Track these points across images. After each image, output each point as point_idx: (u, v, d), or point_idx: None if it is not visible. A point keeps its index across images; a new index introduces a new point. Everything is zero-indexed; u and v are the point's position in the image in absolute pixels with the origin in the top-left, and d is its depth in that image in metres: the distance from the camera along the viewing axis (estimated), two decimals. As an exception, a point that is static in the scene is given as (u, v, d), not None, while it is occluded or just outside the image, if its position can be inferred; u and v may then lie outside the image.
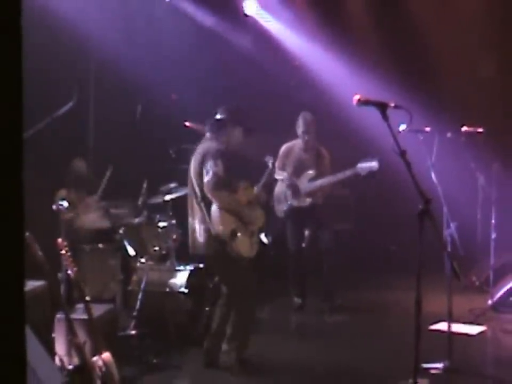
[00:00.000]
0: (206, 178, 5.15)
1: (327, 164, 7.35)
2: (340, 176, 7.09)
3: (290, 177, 7.32)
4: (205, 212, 5.25)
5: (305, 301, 7.42)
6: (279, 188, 7.44)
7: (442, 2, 9.14)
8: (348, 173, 6.99)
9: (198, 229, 5.35)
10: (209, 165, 5.13)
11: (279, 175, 7.36)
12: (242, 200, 5.42)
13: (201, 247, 5.36)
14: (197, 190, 5.30)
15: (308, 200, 7.30)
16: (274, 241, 8.21)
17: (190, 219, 5.47)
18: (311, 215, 7.37)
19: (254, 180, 5.74)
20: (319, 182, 7.24)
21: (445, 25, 9.06)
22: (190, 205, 5.46)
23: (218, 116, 5.41)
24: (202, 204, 5.27)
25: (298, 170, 7.34)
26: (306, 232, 7.77)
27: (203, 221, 5.29)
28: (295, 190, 7.31)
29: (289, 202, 7.31)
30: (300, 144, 7.38)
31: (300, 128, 7.30)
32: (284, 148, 7.47)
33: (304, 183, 7.30)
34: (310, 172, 7.29)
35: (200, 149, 5.38)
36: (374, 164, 6.70)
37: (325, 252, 7.36)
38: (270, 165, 6.03)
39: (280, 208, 7.42)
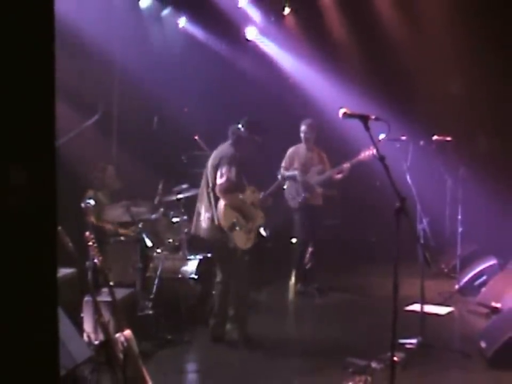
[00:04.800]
0: (219, 181, 5.14)
1: (327, 162, 7.29)
2: (346, 165, 6.94)
3: (301, 174, 7.18)
4: (212, 202, 5.24)
5: (307, 288, 7.28)
6: (290, 185, 7.24)
7: (417, 28, 9.14)
8: (354, 161, 6.86)
9: (203, 214, 5.34)
10: (224, 169, 5.12)
11: (289, 173, 7.19)
12: (248, 200, 5.40)
13: (203, 231, 5.37)
14: (210, 181, 5.29)
15: (319, 192, 7.21)
16: (272, 234, 8.20)
17: (198, 204, 5.46)
18: (316, 212, 7.29)
19: (261, 185, 5.67)
20: (328, 173, 7.14)
21: (419, 48, 9.06)
22: (201, 192, 5.43)
23: (239, 126, 5.34)
24: (211, 194, 5.25)
25: (305, 168, 7.22)
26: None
27: (208, 210, 5.28)
28: (307, 184, 7.18)
29: (303, 195, 7.15)
30: (303, 146, 7.31)
31: (302, 132, 7.21)
32: (290, 150, 7.36)
33: (314, 177, 7.19)
34: (318, 167, 7.21)
35: (220, 149, 5.37)
36: (373, 150, 6.46)
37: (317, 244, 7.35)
38: (280, 177, 5.93)
39: (295, 201, 7.21)
